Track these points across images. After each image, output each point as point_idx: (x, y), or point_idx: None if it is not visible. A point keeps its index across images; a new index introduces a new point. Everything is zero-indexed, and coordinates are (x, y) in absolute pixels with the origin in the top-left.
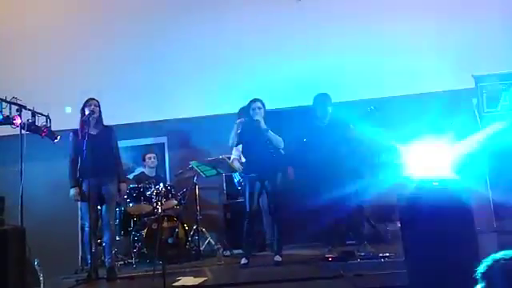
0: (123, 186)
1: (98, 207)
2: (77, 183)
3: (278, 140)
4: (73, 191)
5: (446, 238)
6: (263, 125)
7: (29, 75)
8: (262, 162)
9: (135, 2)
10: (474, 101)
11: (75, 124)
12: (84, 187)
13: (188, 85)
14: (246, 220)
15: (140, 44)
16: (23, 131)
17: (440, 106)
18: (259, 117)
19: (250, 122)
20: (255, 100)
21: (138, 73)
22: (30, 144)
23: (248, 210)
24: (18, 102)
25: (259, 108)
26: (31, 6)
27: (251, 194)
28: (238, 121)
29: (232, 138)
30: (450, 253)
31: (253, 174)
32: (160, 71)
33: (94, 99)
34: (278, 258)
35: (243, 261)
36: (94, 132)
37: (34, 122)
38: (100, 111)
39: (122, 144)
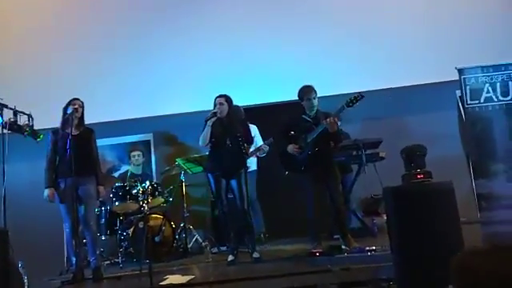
0: (101, 188)
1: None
2: (52, 184)
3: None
4: (47, 192)
5: (431, 230)
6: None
7: (10, 73)
8: (228, 160)
9: (119, 1)
10: (458, 93)
11: (58, 122)
12: (62, 188)
13: (173, 81)
14: (222, 220)
15: (124, 42)
16: (5, 130)
17: (424, 99)
18: (217, 110)
19: (218, 120)
20: (219, 96)
21: (122, 70)
22: (13, 144)
23: (220, 209)
24: None
25: (221, 104)
26: (16, 4)
27: (218, 192)
28: (210, 120)
29: (203, 136)
30: (436, 245)
31: (217, 172)
32: (145, 68)
33: (78, 99)
34: (256, 255)
35: (230, 258)
36: (75, 132)
37: (16, 121)
38: (83, 112)
39: (107, 142)
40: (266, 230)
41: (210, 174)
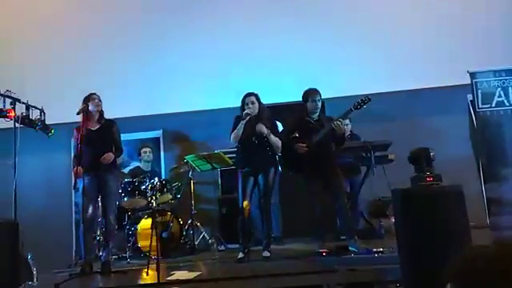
0: (110, 154)
1: (98, 202)
2: (79, 164)
3: (278, 144)
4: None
5: (440, 233)
6: (265, 130)
7: (23, 68)
8: (257, 157)
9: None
10: (469, 97)
11: (70, 118)
12: (85, 182)
13: (183, 79)
14: (240, 215)
15: (135, 38)
16: (17, 124)
17: (434, 102)
18: (250, 111)
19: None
20: (248, 94)
21: (133, 68)
22: (24, 137)
23: (241, 205)
24: (12, 95)
25: (252, 103)
26: (30, 2)
27: (244, 189)
28: (244, 120)
29: (235, 133)
30: (444, 248)
31: (246, 169)
32: (156, 65)
33: (95, 94)
34: (266, 254)
35: (240, 255)
36: (95, 127)
37: (28, 115)
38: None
39: None
40: (282, 232)
41: (239, 171)
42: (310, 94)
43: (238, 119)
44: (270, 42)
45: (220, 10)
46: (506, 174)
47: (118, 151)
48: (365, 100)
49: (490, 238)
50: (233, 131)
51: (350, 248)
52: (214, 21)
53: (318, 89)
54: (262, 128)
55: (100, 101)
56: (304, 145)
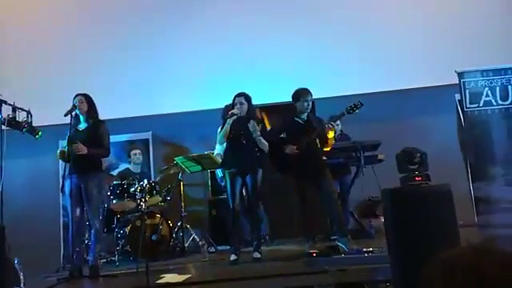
0: (83, 147)
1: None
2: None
3: (265, 147)
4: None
5: (429, 232)
6: (256, 131)
7: (10, 70)
8: (244, 157)
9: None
10: (457, 97)
11: (57, 120)
12: (67, 185)
13: (172, 80)
14: (230, 217)
15: (123, 40)
16: (3, 127)
17: (423, 101)
18: (237, 111)
19: (237, 118)
20: (239, 94)
21: (121, 68)
22: (11, 140)
23: (231, 206)
24: None
25: (241, 104)
26: (15, 2)
27: (233, 190)
28: (230, 118)
29: (221, 135)
30: (433, 247)
31: (233, 169)
32: (145, 67)
33: (79, 94)
34: (256, 255)
35: (232, 257)
36: (81, 128)
37: (15, 117)
38: (90, 105)
39: None
40: (269, 231)
41: (226, 172)
42: (302, 93)
43: (225, 117)
44: (260, 42)
45: (209, 11)
46: (493, 172)
47: (103, 151)
48: (357, 105)
49: (477, 236)
50: (221, 131)
51: (338, 244)
52: (203, 22)
53: (307, 88)
54: (256, 131)
55: (83, 101)
56: (295, 147)
